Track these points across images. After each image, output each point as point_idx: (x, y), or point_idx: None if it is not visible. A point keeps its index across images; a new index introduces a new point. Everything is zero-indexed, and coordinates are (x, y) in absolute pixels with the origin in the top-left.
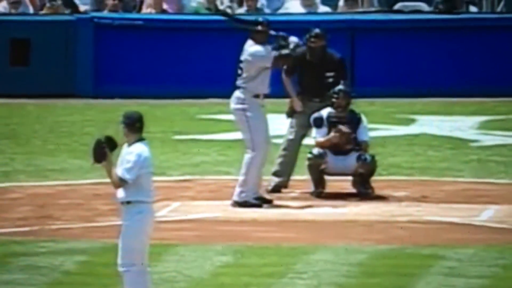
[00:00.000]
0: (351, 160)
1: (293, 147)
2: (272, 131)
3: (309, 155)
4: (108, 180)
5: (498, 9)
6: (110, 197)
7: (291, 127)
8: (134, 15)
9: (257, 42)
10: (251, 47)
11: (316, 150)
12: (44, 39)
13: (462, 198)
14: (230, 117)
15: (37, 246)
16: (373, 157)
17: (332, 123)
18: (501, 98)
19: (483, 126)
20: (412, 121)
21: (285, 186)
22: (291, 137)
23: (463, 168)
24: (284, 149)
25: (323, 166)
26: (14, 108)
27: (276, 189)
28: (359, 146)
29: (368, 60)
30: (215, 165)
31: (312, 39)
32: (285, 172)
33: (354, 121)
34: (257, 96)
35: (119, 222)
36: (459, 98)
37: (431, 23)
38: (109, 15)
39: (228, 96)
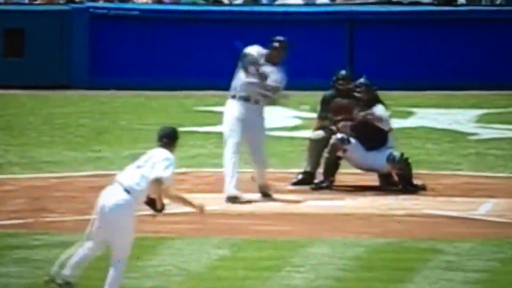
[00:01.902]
0: (382, 158)
1: (315, 143)
2: (268, 124)
3: (333, 136)
4: (102, 172)
5: (498, 2)
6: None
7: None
8: (130, 5)
9: (270, 60)
10: (267, 67)
11: (340, 135)
12: (38, 29)
13: (460, 191)
14: None
15: (32, 238)
16: (402, 154)
17: (357, 126)
18: (500, 91)
19: (482, 119)
20: (410, 114)
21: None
22: (314, 137)
23: (462, 161)
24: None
25: (340, 153)
26: (8, 100)
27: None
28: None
29: (366, 52)
30: (212, 158)
31: (340, 82)
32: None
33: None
34: (233, 96)
35: None
36: (458, 91)
37: (430, 15)
38: (105, 5)
39: (225, 88)
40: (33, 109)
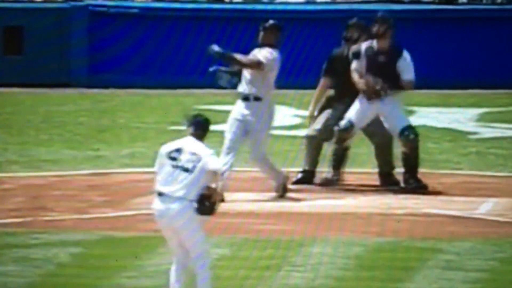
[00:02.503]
0: (394, 120)
1: (311, 139)
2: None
3: (336, 128)
4: (101, 171)
5: (498, 0)
6: (104, 188)
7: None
8: (129, 3)
9: (264, 43)
10: None
11: (342, 123)
12: (38, 27)
13: (460, 190)
14: (227, 108)
15: (30, 237)
16: (416, 135)
17: (369, 56)
18: (501, 90)
19: (482, 118)
20: (411, 112)
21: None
22: (309, 133)
23: (462, 160)
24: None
25: (348, 142)
26: (7, 98)
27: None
28: (401, 86)
29: None
30: None
31: (350, 30)
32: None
33: (394, 54)
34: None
35: (113, 214)
36: (458, 90)
37: (431, 14)
38: (104, 2)
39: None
40: (32, 107)
